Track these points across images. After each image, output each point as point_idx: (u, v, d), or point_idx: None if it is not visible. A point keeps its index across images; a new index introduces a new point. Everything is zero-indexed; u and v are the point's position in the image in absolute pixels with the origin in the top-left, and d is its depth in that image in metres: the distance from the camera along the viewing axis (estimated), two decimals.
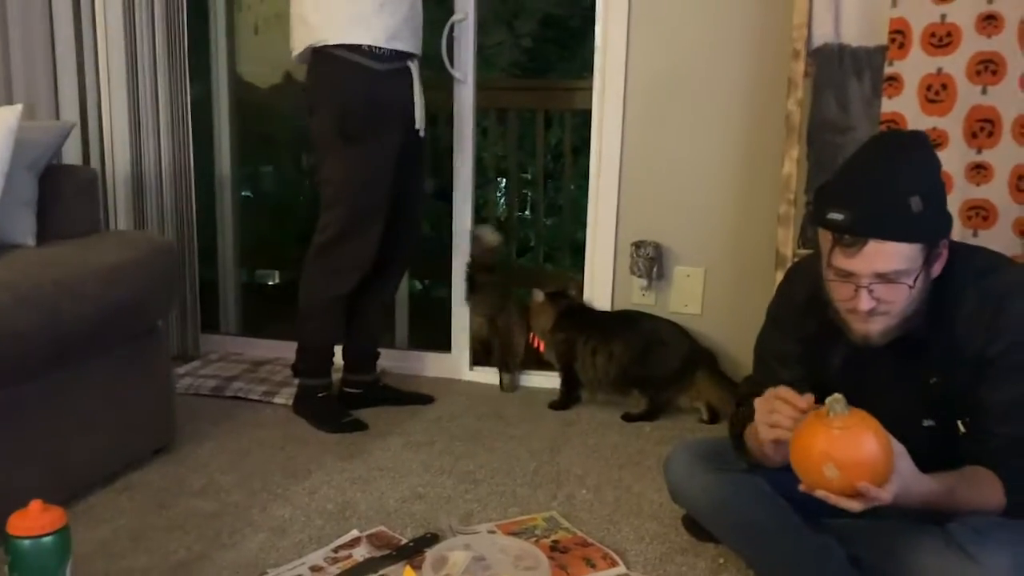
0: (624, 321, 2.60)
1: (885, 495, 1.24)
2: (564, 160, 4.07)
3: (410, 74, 2.29)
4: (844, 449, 1.24)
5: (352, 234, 2.30)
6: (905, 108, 2.08)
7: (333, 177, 2.29)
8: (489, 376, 2.80)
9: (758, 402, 1.39)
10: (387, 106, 2.25)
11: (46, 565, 1.29)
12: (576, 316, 2.64)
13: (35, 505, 1.29)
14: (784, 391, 1.35)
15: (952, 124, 2.05)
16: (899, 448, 1.28)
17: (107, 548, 1.69)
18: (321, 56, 2.22)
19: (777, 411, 1.34)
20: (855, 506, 1.25)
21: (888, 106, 2.10)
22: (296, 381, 2.47)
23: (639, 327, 2.55)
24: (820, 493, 1.27)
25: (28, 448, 1.75)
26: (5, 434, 1.70)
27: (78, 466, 1.88)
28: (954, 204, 2.03)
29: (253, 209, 3.97)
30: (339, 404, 2.45)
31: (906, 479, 1.28)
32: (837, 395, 1.26)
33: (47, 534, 1.28)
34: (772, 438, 1.36)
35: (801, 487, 1.31)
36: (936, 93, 2.06)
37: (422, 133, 2.34)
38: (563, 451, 2.24)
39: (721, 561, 1.68)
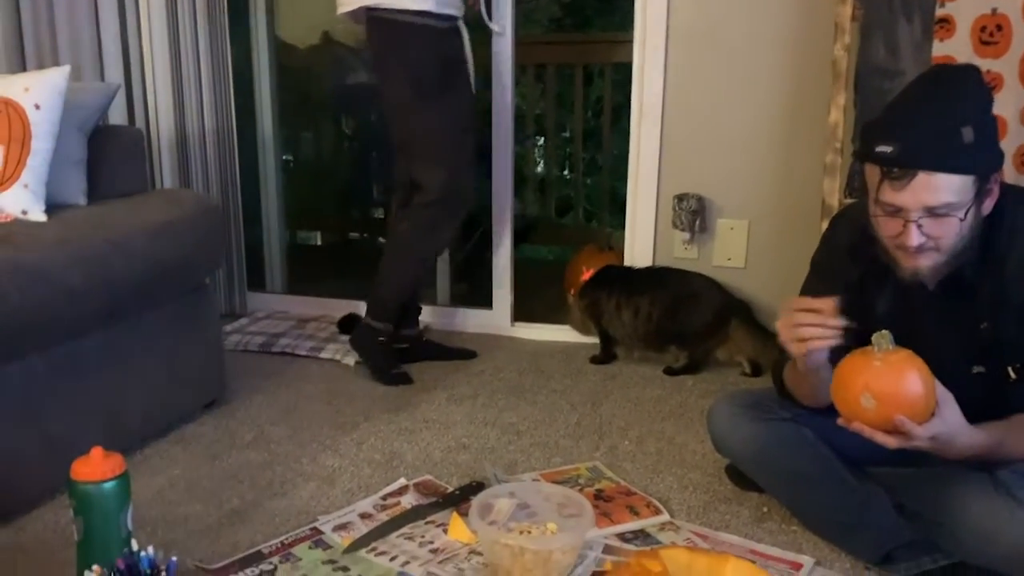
0: (652, 277, 2.59)
1: (922, 432, 1.24)
2: (603, 117, 4.02)
3: (461, 34, 2.34)
4: (883, 380, 1.25)
5: (455, 190, 2.35)
6: (957, 51, 2.02)
7: (421, 137, 2.33)
8: (530, 332, 2.81)
9: (779, 324, 1.37)
10: (453, 63, 2.31)
11: (108, 509, 1.33)
12: (602, 276, 2.64)
13: (96, 452, 1.34)
14: (801, 300, 1.33)
15: (1007, 66, 1.98)
16: (946, 395, 1.27)
17: (163, 496, 1.75)
18: (381, 21, 2.24)
19: (800, 322, 1.32)
20: (891, 442, 1.25)
21: (939, 49, 2.03)
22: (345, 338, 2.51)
23: (667, 282, 2.54)
24: (856, 426, 1.27)
25: (87, 401, 1.80)
26: (65, 388, 1.75)
27: (134, 419, 1.94)
28: (1008, 149, 1.97)
29: (295, 172, 4.00)
30: (392, 353, 2.48)
31: (951, 426, 1.27)
32: (884, 331, 1.26)
33: (108, 479, 1.33)
34: (802, 352, 1.35)
35: (839, 421, 1.31)
36: (990, 34, 1.99)
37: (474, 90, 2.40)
38: (605, 404, 2.25)
39: (765, 510, 1.68)
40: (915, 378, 1.24)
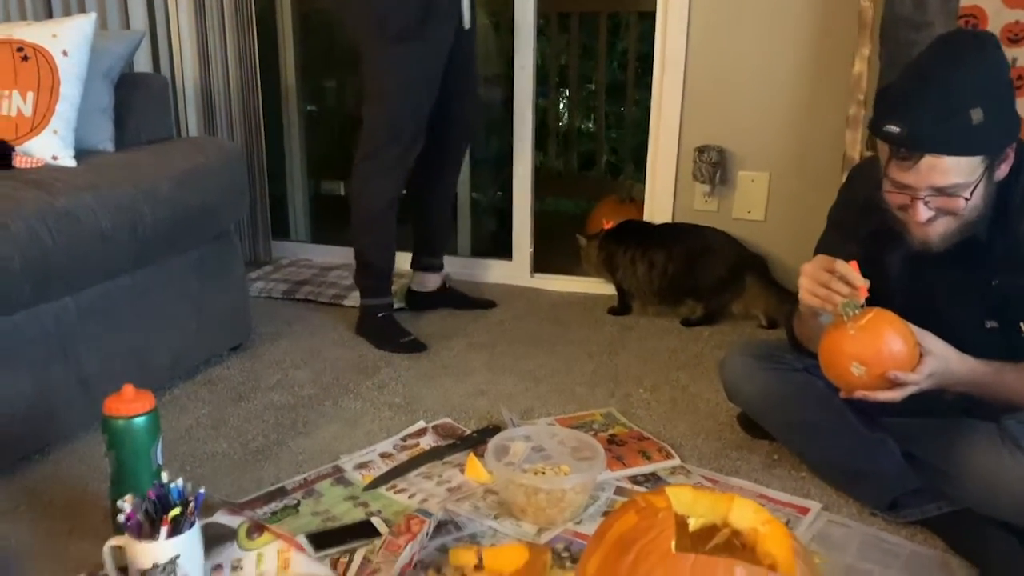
0: (668, 232, 2.60)
1: (917, 377, 1.29)
2: (628, 68, 3.98)
3: None
4: (863, 345, 1.30)
5: (396, 139, 2.22)
6: (986, 1, 1.99)
7: (376, 79, 2.20)
8: (549, 283, 2.84)
9: (806, 266, 1.37)
10: (435, 1, 2.13)
11: (139, 444, 1.39)
12: (619, 231, 2.66)
13: (128, 389, 1.39)
14: (843, 265, 1.32)
15: None
16: (923, 332, 1.31)
17: (191, 434, 1.82)
18: None
19: (828, 285, 1.33)
20: (895, 396, 1.30)
21: None
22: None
23: (682, 236, 2.55)
24: (859, 394, 1.32)
25: (118, 342, 1.86)
26: (97, 329, 1.81)
27: (163, 360, 2.00)
28: None
29: (319, 122, 4.01)
30: (398, 324, 2.36)
31: (941, 357, 1.31)
32: (847, 300, 1.30)
33: (139, 415, 1.38)
34: (811, 305, 1.36)
35: (841, 394, 1.37)
36: None
37: (467, 26, 2.25)
38: (621, 354, 2.28)
39: (775, 457, 1.71)
40: (891, 333, 1.29)
